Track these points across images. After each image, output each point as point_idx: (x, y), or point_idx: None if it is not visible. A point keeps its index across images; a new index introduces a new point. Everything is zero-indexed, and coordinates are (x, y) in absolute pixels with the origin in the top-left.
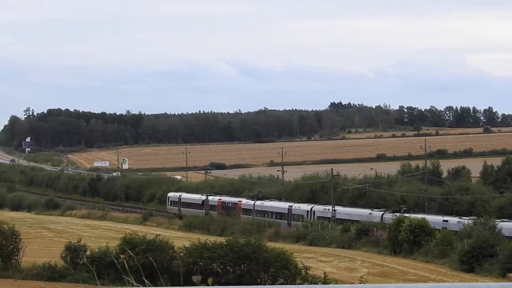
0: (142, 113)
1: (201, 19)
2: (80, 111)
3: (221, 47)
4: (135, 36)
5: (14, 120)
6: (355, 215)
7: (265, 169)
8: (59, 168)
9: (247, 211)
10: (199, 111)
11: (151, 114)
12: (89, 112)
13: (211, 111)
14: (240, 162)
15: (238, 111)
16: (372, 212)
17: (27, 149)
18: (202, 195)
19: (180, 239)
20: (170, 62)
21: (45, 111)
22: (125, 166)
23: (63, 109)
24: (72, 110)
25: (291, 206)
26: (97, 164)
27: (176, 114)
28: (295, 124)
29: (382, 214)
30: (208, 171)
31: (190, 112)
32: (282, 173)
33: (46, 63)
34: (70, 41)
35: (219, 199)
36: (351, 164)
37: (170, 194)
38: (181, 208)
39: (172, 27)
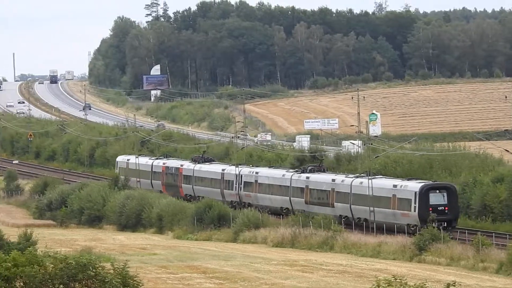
0: None
1: None
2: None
3: None
4: None
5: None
6: (272, 179)
7: None
8: None
9: (188, 178)
10: None
11: None
12: None
13: None
14: None
15: None
16: (285, 173)
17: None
18: (151, 159)
19: None
20: None
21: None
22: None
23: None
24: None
25: (224, 170)
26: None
27: None
28: None
29: (291, 176)
30: None
31: None
32: None
33: None
34: None
35: (163, 164)
36: None
37: (120, 159)
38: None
39: None
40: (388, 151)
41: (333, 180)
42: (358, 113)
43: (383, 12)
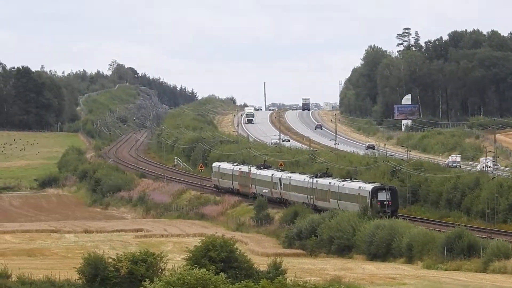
0: None
1: None
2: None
3: None
4: None
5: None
6: (298, 181)
7: None
8: None
9: (253, 180)
10: None
11: None
12: None
13: None
14: None
15: None
16: (306, 178)
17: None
18: (233, 165)
19: None
20: None
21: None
22: None
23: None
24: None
25: (272, 175)
26: None
27: None
28: None
29: (309, 180)
30: None
31: None
32: None
33: None
34: None
35: (239, 169)
36: None
37: (214, 164)
38: (220, 179)
39: None
40: None
41: (330, 183)
42: None
43: None
